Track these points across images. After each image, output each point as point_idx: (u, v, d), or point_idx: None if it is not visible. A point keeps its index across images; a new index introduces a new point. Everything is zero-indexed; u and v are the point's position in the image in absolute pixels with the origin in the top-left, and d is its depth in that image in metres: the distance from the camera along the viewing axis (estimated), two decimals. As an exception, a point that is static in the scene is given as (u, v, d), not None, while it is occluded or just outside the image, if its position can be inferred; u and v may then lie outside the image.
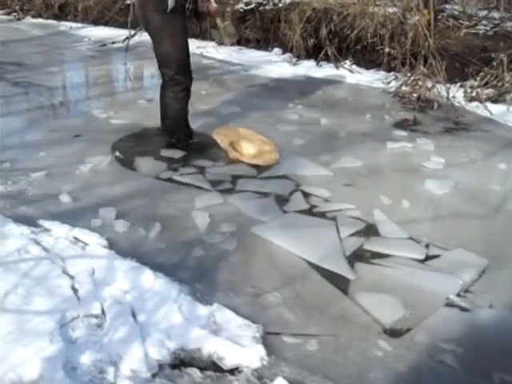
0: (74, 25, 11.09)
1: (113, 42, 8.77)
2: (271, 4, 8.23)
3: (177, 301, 2.18)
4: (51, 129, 4.48)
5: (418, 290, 2.43)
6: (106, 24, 10.70)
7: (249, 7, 8.28)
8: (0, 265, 2.38)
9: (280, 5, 8.03)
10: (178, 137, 4.07)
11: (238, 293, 2.37)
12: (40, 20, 12.04)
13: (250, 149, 3.96)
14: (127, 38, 8.39)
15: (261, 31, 8.10)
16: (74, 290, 2.25)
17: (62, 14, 11.93)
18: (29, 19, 12.23)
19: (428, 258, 2.68)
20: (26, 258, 2.45)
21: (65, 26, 11.09)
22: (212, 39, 7.43)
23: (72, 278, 2.33)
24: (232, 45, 8.00)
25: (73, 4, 11.64)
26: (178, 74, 3.85)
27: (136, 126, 4.52)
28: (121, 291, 2.25)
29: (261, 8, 8.22)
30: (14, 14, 12.61)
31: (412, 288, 2.44)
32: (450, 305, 2.33)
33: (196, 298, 2.27)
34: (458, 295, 2.38)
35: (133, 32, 8.27)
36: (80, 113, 5.11)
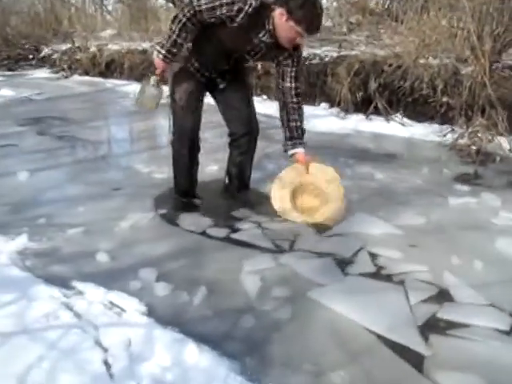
0: (119, 82, 11.19)
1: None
2: (317, 58, 8.09)
3: (226, 381, 1.86)
4: (91, 183, 4.28)
5: (506, 368, 2.05)
6: (151, 81, 10.68)
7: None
8: (26, 333, 2.11)
9: (326, 59, 7.88)
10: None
11: (296, 370, 2.03)
12: (86, 78, 12.22)
13: (311, 202, 3.56)
14: (170, 94, 8.34)
15: (307, 85, 7.92)
16: (107, 366, 1.94)
17: (108, 72, 12.08)
18: (76, 77, 12.44)
19: (514, 329, 2.29)
20: (54, 326, 2.17)
21: (111, 83, 11.21)
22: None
23: (105, 350, 2.03)
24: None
25: (119, 61, 11.77)
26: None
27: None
28: (161, 368, 1.93)
29: (307, 62, 8.08)
30: (62, 72, 12.87)
31: (498, 366, 2.06)
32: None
33: (248, 377, 1.94)
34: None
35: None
36: (122, 167, 4.90)
